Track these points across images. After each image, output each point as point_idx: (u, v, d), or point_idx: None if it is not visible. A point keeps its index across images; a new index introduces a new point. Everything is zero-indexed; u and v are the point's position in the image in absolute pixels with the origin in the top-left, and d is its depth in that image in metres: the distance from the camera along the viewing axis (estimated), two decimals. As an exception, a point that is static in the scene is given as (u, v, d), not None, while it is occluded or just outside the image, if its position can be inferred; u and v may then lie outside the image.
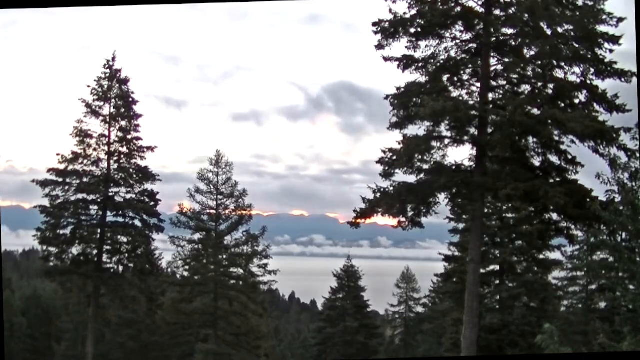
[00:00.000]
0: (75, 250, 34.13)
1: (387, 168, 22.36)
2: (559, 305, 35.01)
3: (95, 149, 34.03)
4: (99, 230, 34.11)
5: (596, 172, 17.75)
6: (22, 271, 77.49)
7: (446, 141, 22.26)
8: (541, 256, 34.08)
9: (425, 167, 22.30)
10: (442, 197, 22.95)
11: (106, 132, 34.19)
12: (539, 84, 22.09)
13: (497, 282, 34.62)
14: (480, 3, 22.04)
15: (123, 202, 34.39)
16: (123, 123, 34.38)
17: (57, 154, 33.71)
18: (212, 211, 38.55)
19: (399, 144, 22.26)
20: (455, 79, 22.74)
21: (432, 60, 22.41)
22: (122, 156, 34.37)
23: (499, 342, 31.29)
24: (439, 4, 21.93)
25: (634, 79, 20.57)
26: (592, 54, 20.93)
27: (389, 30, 22.08)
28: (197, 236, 38.78)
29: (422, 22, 21.98)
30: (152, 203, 34.99)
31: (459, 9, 21.92)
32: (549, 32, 21.14)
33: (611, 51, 20.70)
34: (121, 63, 35.99)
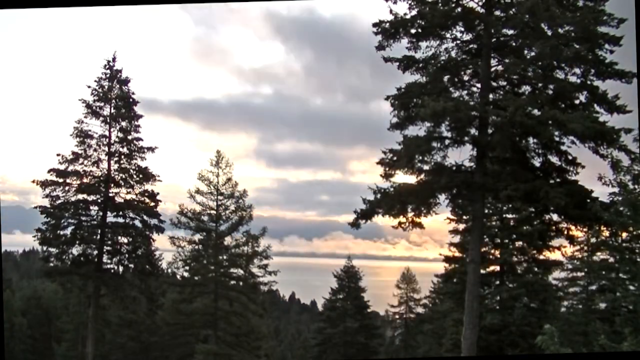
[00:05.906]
0: (75, 250, 34.07)
1: (387, 169, 22.37)
2: (559, 305, 34.94)
3: (95, 150, 34.03)
4: (99, 231, 34.06)
5: (597, 173, 17.74)
6: (22, 271, 77.73)
7: (446, 142, 22.24)
8: (541, 257, 34.05)
9: (426, 167, 22.30)
10: (442, 198, 22.98)
11: (106, 133, 34.20)
12: (540, 85, 22.07)
13: (498, 282, 34.57)
14: (480, 4, 22.05)
15: (123, 203, 34.38)
16: (123, 124, 34.38)
17: (58, 154, 33.71)
18: (213, 212, 38.59)
19: (400, 144, 22.29)
20: (456, 79, 22.72)
21: (433, 61, 22.41)
22: (123, 157, 34.37)
23: (499, 342, 31.27)
24: (440, 4, 21.92)
25: (635, 80, 20.58)
26: (593, 54, 20.93)
27: (390, 30, 22.09)
28: (197, 237, 38.83)
29: (423, 23, 21.98)
30: (153, 204, 35.00)
31: (459, 9, 21.91)
32: (549, 32, 21.11)
33: (612, 52, 20.73)
34: (121, 63, 36.06)
